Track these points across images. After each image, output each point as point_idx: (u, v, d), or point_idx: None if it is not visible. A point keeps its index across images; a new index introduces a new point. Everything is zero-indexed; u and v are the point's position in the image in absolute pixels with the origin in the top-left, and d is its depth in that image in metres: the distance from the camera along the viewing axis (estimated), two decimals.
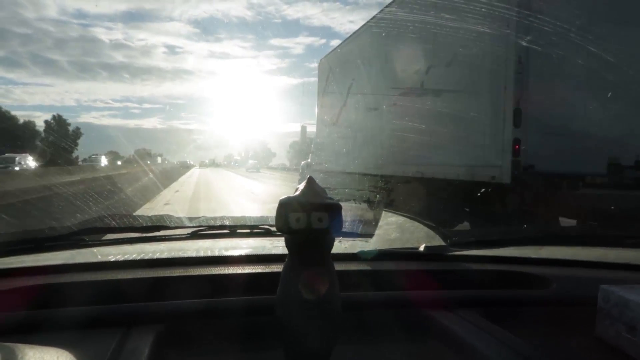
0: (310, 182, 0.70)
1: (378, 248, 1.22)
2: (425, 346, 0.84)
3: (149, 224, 1.26)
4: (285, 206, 0.67)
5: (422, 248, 1.22)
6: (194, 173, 40.28)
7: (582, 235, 1.47)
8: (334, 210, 0.67)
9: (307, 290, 0.69)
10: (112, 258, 1.09)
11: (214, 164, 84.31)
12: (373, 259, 1.15)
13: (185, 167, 55.78)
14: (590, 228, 1.76)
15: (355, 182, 7.88)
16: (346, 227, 1.45)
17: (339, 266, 1.07)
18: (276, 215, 0.68)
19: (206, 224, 1.35)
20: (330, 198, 0.68)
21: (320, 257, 0.70)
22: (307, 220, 0.66)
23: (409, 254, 1.21)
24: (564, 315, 0.97)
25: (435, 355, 0.81)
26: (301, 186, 0.70)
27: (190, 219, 1.38)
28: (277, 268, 0.94)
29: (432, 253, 1.21)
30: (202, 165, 75.88)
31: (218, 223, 1.37)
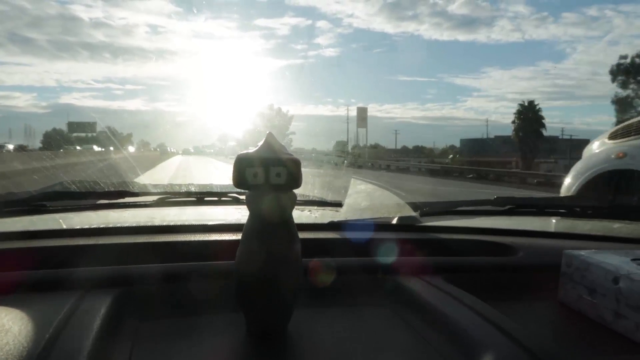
0: (270, 137, 0.68)
1: (349, 218, 1.21)
2: (391, 310, 0.84)
3: (112, 190, 1.22)
4: (242, 161, 0.65)
5: (395, 220, 1.22)
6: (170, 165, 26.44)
7: (551, 206, 1.48)
8: (293, 165, 0.65)
9: (267, 247, 0.67)
10: (76, 226, 1.06)
11: (199, 151, 72.93)
12: (344, 229, 1.15)
13: (164, 154, 47.35)
14: (559, 199, 1.78)
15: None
16: (315, 194, 1.43)
17: (309, 235, 1.06)
18: (233, 171, 0.66)
19: (172, 191, 1.32)
20: (289, 153, 0.66)
21: (280, 214, 0.68)
22: (265, 175, 0.65)
23: (380, 225, 1.20)
24: (529, 282, 0.98)
25: (402, 319, 0.80)
26: (260, 142, 0.68)
27: (155, 185, 1.34)
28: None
29: (403, 224, 1.21)
30: (185, 152, 66.03)
31: (184, 190, 1.34)
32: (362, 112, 54.39)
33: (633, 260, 0.82)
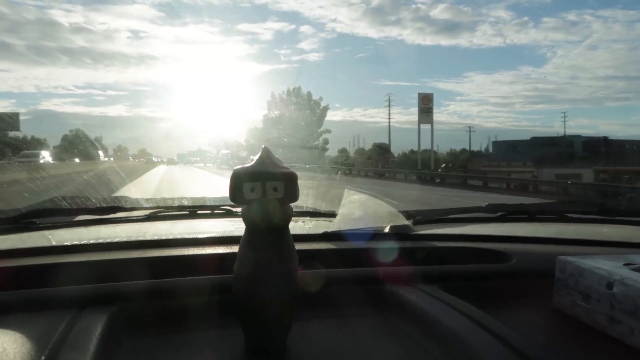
0: (265, 151, 0.68)
1: (342, 228, 1.21)
2: (387, 320, 0.84)
3: (104, 205, 1.21)
4: (238, 176, 0.65)
5: (387, 229, 1.22)
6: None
7: (542, 212, 1.50)
8: (290, 179, 0.66)
9: (264, 263, 0.67)
10: (66, 242, 1.04)
11: (185, 159, 62.35)
12: (338, 239, 1.15)
13: (149, 164, 41.87)
14: (550, 205, 1.80)
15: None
16: (309, 206, 1.43)
17: (303, 246, 1.06)
18: (230, 186, 0.65)
19: (164, 205, 1.31)
20: (286, 167, 0.66)
21: (277, 229, 0.68)
22: (262, 190, 0.65)
23: (375, 234, 1.20)
24: (523, 288, 0.99)
25: (398, 328, 0.80)
26: (256, 157, 0.68)
27: (147, 200, 1.33)
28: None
29: (396, 233, 1.21)
30: (170, 162, 54.82)
31: (176, 204, 1.33)
32: (426, 102, 38.86)
33: (625, 265, 0.83)
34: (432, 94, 40.54)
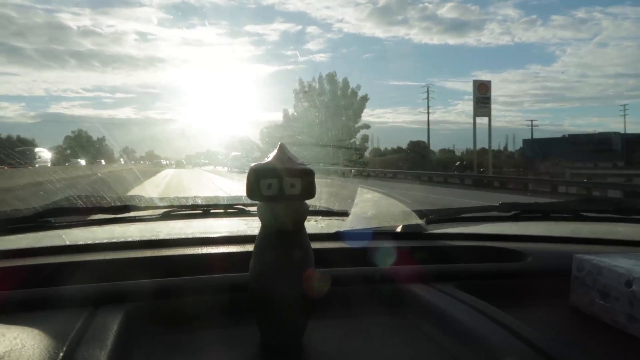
0: (282, 148, 0.68)
1: (355, 227, 1.21)
2: (403, 318, 0.84)
3: (118, 204, 1.21)
4: (256, 172, 0.65)
5: (399, 228, 1.21)
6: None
7: (556, 211, 1.48)
8: (307, 175, 0.65)
9: (280, 260, 0.67)
10: (81, 241, 1.05)
11: (193, 162, 57.83)
12: (350, 238, 1.14)
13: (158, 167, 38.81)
14: (565, 204, 1.78)
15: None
16: (322, 205, 1.43)
17: (316, 245, 1.06)
18: (247, 182, 0.65)
19: (178, 204, 1.31)
20: (303, 164, 0.66)
21: (293, 225, 0.68)
22: (279, 187, 0.65)
23: (387, 233, 1.20)
24: (539, 287, 0.98)
25: (413, 327, 0.80)
26: (272, 153, 0.68)
27: (161, 199, 1.34)
28: (252, 248, 0.93)
29: (409, 232, 1.21)
30: (179, 165, 50.72)
31: (190, 203, 1.33)
32: (482, 90, 30.93)
33: None
34: (489, 82, 32.56)
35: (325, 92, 39.63)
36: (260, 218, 0.68)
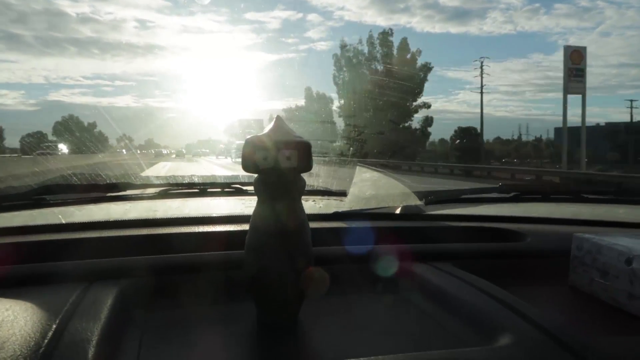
0: (278, 121, 0.66)
1: (353, 208, 1.20)
2: (401, 296, 0.83)
3: (114, 182, 1.20)
4: (251, 144, 0.64)
5: (399, 209, 1.21)
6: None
7: (556, 192, 1.47)
8: (303, 148, 0.64)
9: (276, 234, 0.66)
10: (76, 219, 1.04)
11: (193, 151, 54.96)
12: (349, 219, 1.14)
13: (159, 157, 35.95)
14: (565, 185, 1.78)
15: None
16: (320, 184, 1.42)
17: (314, 225, 1.05)
18: (242, 154, 0.64)
19: (174, 183, 1.30)
20: (299, 136, 0.65)
21: (289, 199, 0.67)
22: (275, 159, 0.63)
23: (385, 214, 1.19)
24: (537, 267, 0.97)
25: (412, 305, 0.79)
26: (269, 126, 0.67)
27: (157, 177, 1.33)
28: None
29: (408, 213, 1.20)
30: (179, 154, 48.22)
31: (186, 182, 1.32)
32: (576, 59, 23.20)
33: None
34: (584, 48, 24.41)
35: (377, 57, 29.49)
36: (255, 192, 0.67)
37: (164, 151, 52.05)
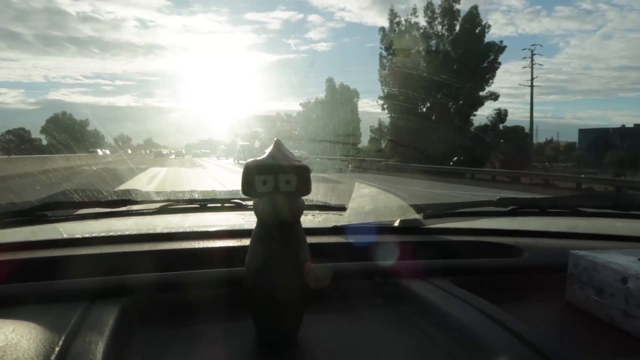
0: (278, 144, 0.67)
1: (352, 222, 1.21)
2: (399, 314, 0.84)
3: (115, 198, 1.21)
4: (251, 169, 0.65)
5: (397, 223, 1.21)
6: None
7: (553, 206, 1.48)
8: (302, 172, 0.65)
9: (275, 256, 0.67)
10: (77, 235, 1.05)
11: (192, 151, 53.44)
12: (347, 233, 1.14)
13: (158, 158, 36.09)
14: (562, 199, 1.79)
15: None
16: (319, 200, 1.43)
17: (313, 240, 1.06)
18: (242, 179, 0.65)
19: (175, 198, 1.31)
20: (298, 160, 0.66)
21: (289, 222, 0.68)
22: (274, 183, 0.64)
23: (384, 228, 1.20)
24: (534, 283, 0.98)
25: (409, 322, 0.80)
26: (268, 149, 0.68)
27: (158, 193, 1.34)
28: (249, 242, 0.93)
29: (406, 226, 1.21)
30: (179, 154, 46.55)
31: (187, 197, 1.33)
32: None
33: None
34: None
35: (438, 31, 22.25)
36: (255, 213, 0.68)
37: (164, 151, 50.78)
